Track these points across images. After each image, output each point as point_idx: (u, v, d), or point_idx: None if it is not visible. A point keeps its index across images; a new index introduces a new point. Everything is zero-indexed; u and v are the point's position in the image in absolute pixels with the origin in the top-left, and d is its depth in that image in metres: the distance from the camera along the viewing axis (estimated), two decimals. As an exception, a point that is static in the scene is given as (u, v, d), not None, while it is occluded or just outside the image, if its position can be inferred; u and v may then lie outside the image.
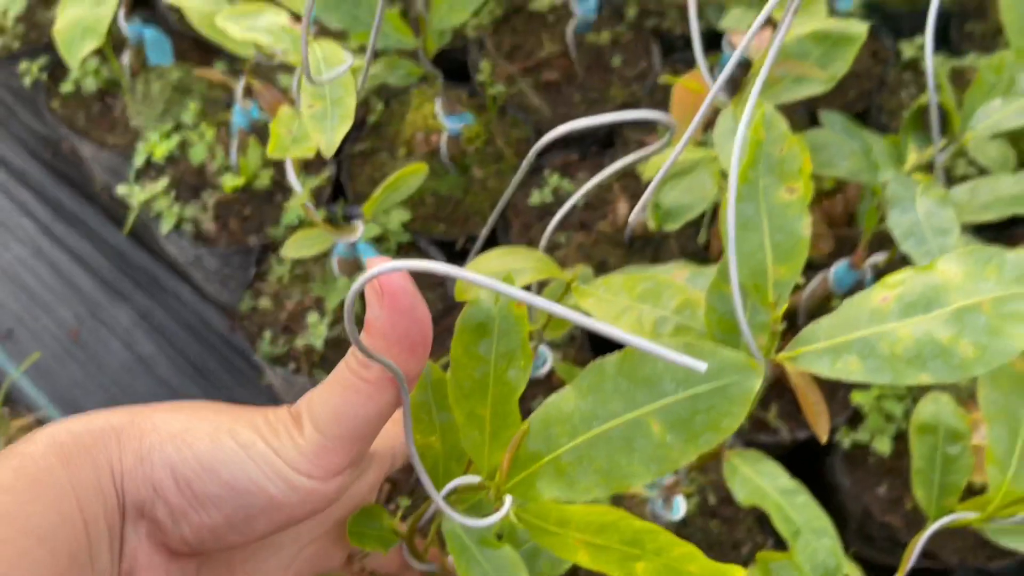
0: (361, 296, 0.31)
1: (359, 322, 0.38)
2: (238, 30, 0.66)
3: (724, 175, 0.75)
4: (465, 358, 0.43)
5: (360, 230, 0.77)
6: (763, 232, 0.51)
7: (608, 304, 0.59)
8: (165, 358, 1.04)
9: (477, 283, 0.24)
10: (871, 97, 1.07)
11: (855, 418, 0.85)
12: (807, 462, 0.85)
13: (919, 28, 1.16)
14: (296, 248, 0.75)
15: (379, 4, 0.72)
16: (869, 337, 0.48)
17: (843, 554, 0.53)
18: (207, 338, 1.06)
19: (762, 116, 0.51)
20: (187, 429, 0.36)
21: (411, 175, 0.79)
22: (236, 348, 1.06)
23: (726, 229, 0.49)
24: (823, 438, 0.48)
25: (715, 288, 0.55)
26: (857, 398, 0.83)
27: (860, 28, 0.69)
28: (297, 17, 0.68)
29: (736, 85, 0.76)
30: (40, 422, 0.99)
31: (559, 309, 0.25)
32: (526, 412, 0.37)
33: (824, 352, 0.49)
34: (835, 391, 0.87)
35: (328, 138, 0.61)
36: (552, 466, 0.34)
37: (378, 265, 0.31)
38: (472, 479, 0.43)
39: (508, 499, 0.39)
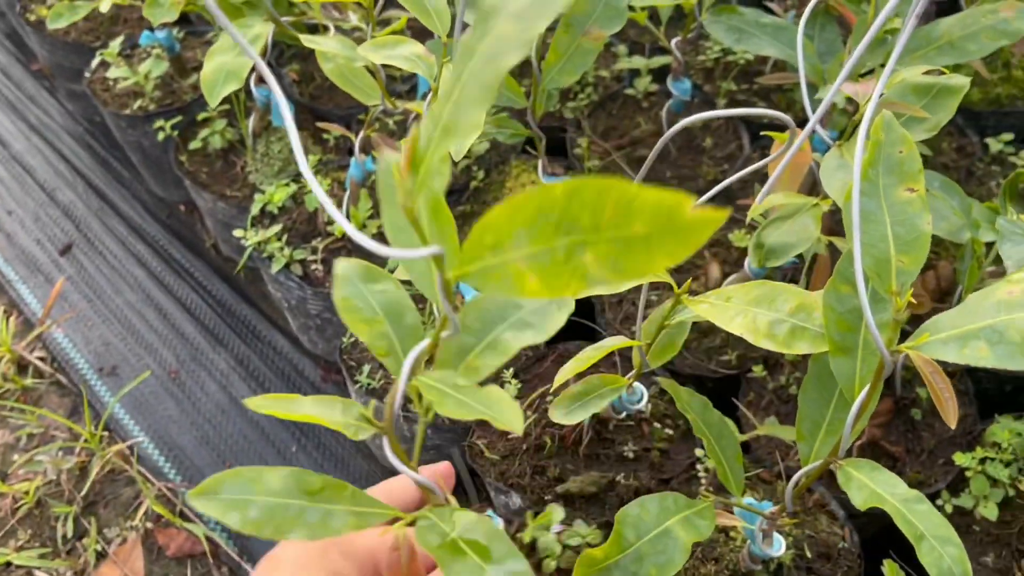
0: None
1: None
2: (379, 57, 0.73)
3: (843, 213, 0.77)
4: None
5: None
6: (885, 225, 0.53)
7: (721, 309, 0.60)
8: (257, 402, 1.07)
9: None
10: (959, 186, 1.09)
11: (957, 483, 0.82)
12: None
13: (1002, 127, 1.20)
14: (405, 272, 0.79)
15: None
16: (997, 325, 0.48)
17: (969, 565, 0.52)
18: (300, 386, 1.09)
19: (882, 119, 0.54)
20: None
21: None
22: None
23: (850, 219, 0.51)
24: (952, 423, 0.48)
25: (833, 288, 0.56)
26: (960, 460, 0.81)
27: (962, 81, 0.72)
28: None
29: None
30: (132, 449, 1.02)
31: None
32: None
33: (950, 340, 0.49)
34: (935, 457, 0.85)
35: (457, 146, 0.66)
36: None
37: None
38: None
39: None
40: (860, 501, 0.54)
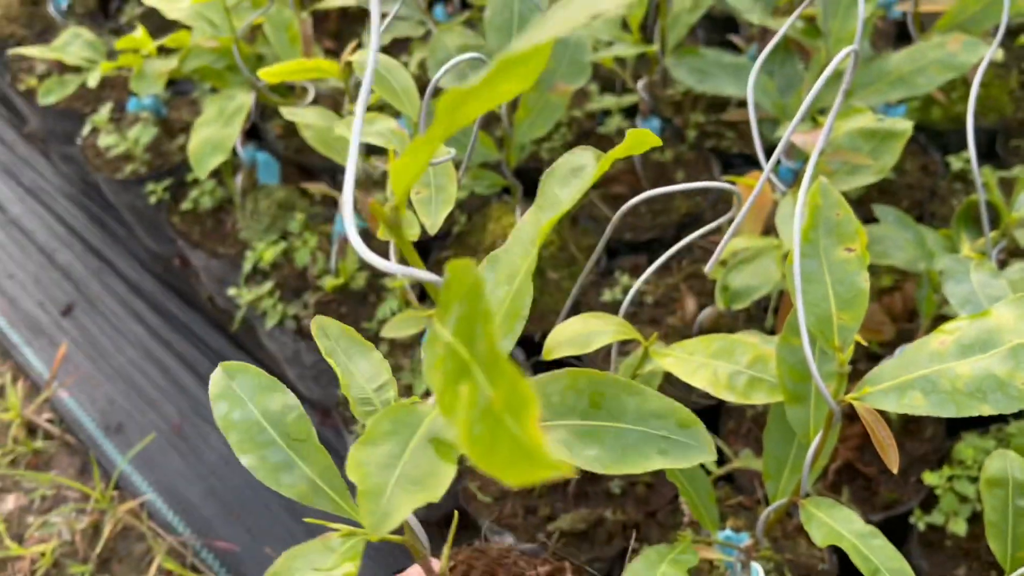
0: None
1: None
2: (355, 135, 0.77)
3: (787, 258, 0.81)
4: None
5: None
6: (826, 285, 0.57)
7: (685, 362, 0.64)
8: (259, 451, 1.11)
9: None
10: (923, 206, 1.14)
11: (929, 501, 0.86)
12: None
13: (965, 145, 1.24)
14: (395, 329, 0.83)
15: (475, 125, 0.83)
16: (930, 375, 0.53)
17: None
18: (298, 433, 1.13)
19: (819, 185, 0.58)
20: None
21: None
22: (327, 442, 1.12)
23: (793, 282, 0.56)
24: (894, 469, 0.52)
25: (784, 342, 0.60)
26: (929, 479, 0.85)
27: (905, 125, 0.76)
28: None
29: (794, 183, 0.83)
30: (143, 506, 1.06)
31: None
32: None
33: (890, 390, 0.54)
34: (907, 475, 0.89)
35: (432, 219, 0.70)
36: None
37: None
38: None
39: None
40: (820, 538, 0.58)
